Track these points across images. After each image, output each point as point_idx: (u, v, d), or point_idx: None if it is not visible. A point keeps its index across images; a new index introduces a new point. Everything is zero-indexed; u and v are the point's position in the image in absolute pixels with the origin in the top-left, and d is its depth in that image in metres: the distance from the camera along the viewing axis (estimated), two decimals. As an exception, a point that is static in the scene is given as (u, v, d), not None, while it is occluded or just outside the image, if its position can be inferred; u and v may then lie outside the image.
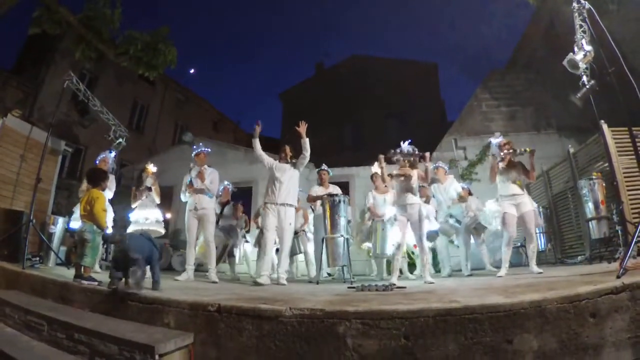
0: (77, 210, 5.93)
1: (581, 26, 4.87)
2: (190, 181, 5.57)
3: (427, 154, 5.11)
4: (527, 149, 5.09)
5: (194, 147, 5.94)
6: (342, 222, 5.58)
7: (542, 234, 7.77)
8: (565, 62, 4.91)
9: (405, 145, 5.19)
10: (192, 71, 31.40)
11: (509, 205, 5.05)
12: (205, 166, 5.73)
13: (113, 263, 3.70)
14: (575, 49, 4.85)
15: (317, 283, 5.48)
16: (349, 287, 4.03)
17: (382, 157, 5.22)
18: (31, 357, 2.51)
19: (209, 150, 5.94)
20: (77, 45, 9.05)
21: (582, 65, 4.78)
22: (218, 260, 6.18)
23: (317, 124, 22.74)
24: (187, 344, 2.43)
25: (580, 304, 2.20)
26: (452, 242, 6.58)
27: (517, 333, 2.10)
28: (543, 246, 7.80)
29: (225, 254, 6.69)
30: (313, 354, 2.18)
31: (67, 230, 6.80)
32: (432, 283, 4.51)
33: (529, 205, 5.01)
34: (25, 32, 8.53)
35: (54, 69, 14.73)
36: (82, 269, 3.92)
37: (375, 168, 5.12)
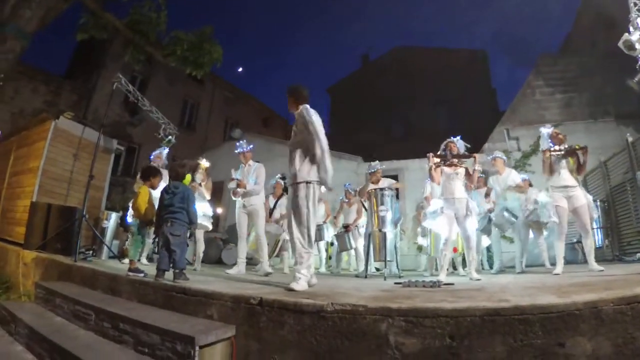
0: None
1: (636, 4, 4.54)
2: (237, 183, 5.64)
3: (476, 156, 4.94)
4: (578, 146, 4.75)
5: (237, 146, 6.01)
6: (389, 216, 5.50)
7: (599, 229, 7.34)
8: (620, 44, 4.60)
9: (459, 142, 5.07)
10: (240, 70, 32.13)
11: (560, 197, 4.78)
12: (250, 162, 5.85)
13: (160, 254, 3.84)
14: (631, 28, 4.53)
15: (365, 277, 5.46)
16: (395, 283, 3.95)
17: (431, 155, 5.04)
18: (77, 346, 2.61)
19: (251, 147, 5.96)
20: (125, 49, 9.42)
21: (638, 46, 4.46)
22: (270, 255, 6.27)
23: (365, 117, 22.87)
24: (229, 336, 2.46)
25: (639, 305, 2.03)
26: (505, 237, 6.34)
27: (569, 336, 1.96)
28: (600, 242, 7.38)
29: (278, 248, 6.78)
30: (354, 351, 2.14)
31: (122, 225, 7.14)
32: (479, 280, 4.38)
33: (582, 198, 4.70)
34: (73, 38, 8.89)
35: (105, 72, 15.49)
36: (130, 262, 4.11)
37: (433, 160, 4.98)
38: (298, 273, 3.31)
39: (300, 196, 3.48)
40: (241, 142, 5.99)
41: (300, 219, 3.45)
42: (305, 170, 3.52)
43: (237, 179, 5.63)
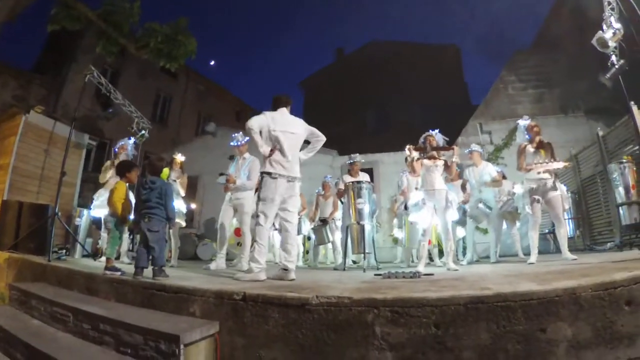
0: (97, 198, 6.06)
1: (609, 3, 4.66)
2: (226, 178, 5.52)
3: (455, 148, 5.02)
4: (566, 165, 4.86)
5: (232, 139, 5.82)
6: (367, 208, 5.53)
7: (570, 220, 7.57)
8: (594, 41, 4.72)
9: (437, 135, 5.14)
10: (212, 63, 31.55)
11: (535, 188, 4.90)
12: (245, 155, 5.71)
13: (138, 252, 3.74)
14: (604, 27, 4.65)
15: (344, 270, 5.48)
16: (375, 275, 3.98)
17: (410, 147, 5.07)
18: (56, 349, 2.52)
19: (246, 140, 5.67)
20: (98, 40, 9.14)
21: (611, 44, 4.59)
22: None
23: (339, 111, 22.85)
24: (212, 332, 2.43)
25: (616, 291, 2.11)
26: (479, 228, 6.47)
27: (551, 321, 2.02)
28: (572, 232, 7.61)
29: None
30: (340, 343, 2.14)
31: (93, 222, 6.94)
32: (457, 270, 4.46)
33: (556, 189, 4.84)
34: (44, 30, 8.57)
35: (76, 66, 14.95)
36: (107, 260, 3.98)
37: (414, 153, 5.00)
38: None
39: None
40: (236, 135, 5.79)
41: None
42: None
43: (226, 174, 5.48)
